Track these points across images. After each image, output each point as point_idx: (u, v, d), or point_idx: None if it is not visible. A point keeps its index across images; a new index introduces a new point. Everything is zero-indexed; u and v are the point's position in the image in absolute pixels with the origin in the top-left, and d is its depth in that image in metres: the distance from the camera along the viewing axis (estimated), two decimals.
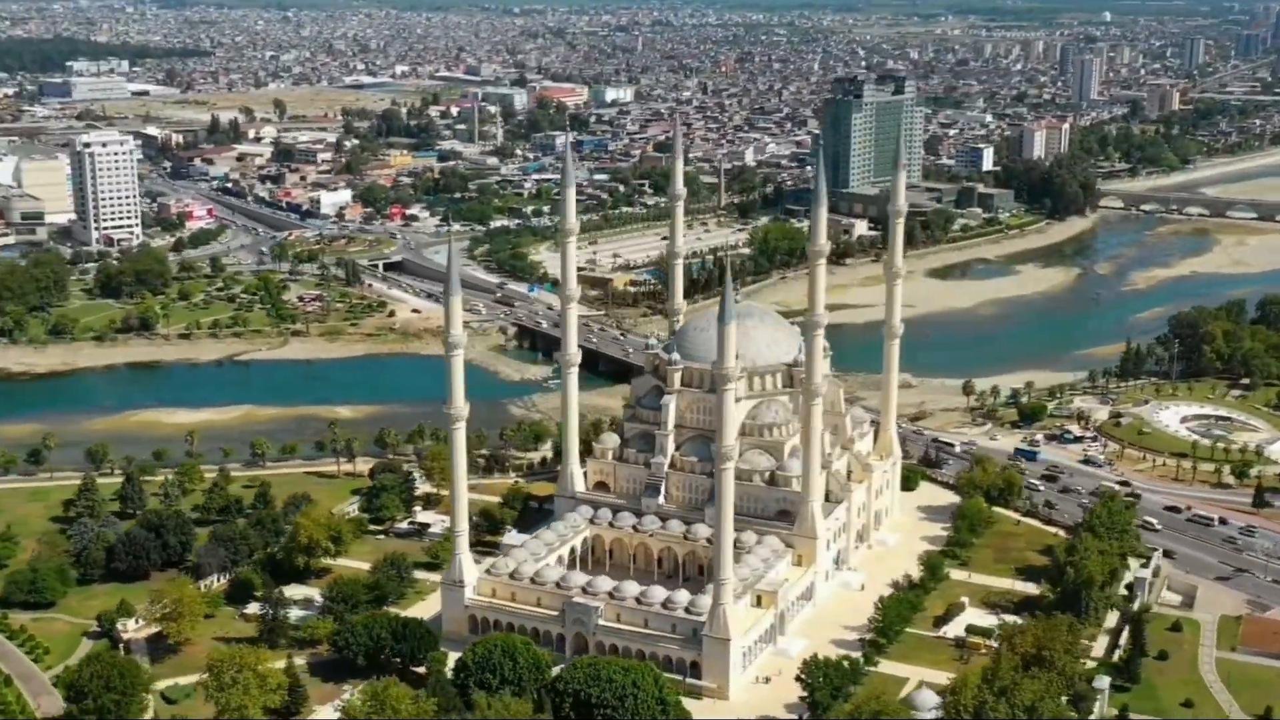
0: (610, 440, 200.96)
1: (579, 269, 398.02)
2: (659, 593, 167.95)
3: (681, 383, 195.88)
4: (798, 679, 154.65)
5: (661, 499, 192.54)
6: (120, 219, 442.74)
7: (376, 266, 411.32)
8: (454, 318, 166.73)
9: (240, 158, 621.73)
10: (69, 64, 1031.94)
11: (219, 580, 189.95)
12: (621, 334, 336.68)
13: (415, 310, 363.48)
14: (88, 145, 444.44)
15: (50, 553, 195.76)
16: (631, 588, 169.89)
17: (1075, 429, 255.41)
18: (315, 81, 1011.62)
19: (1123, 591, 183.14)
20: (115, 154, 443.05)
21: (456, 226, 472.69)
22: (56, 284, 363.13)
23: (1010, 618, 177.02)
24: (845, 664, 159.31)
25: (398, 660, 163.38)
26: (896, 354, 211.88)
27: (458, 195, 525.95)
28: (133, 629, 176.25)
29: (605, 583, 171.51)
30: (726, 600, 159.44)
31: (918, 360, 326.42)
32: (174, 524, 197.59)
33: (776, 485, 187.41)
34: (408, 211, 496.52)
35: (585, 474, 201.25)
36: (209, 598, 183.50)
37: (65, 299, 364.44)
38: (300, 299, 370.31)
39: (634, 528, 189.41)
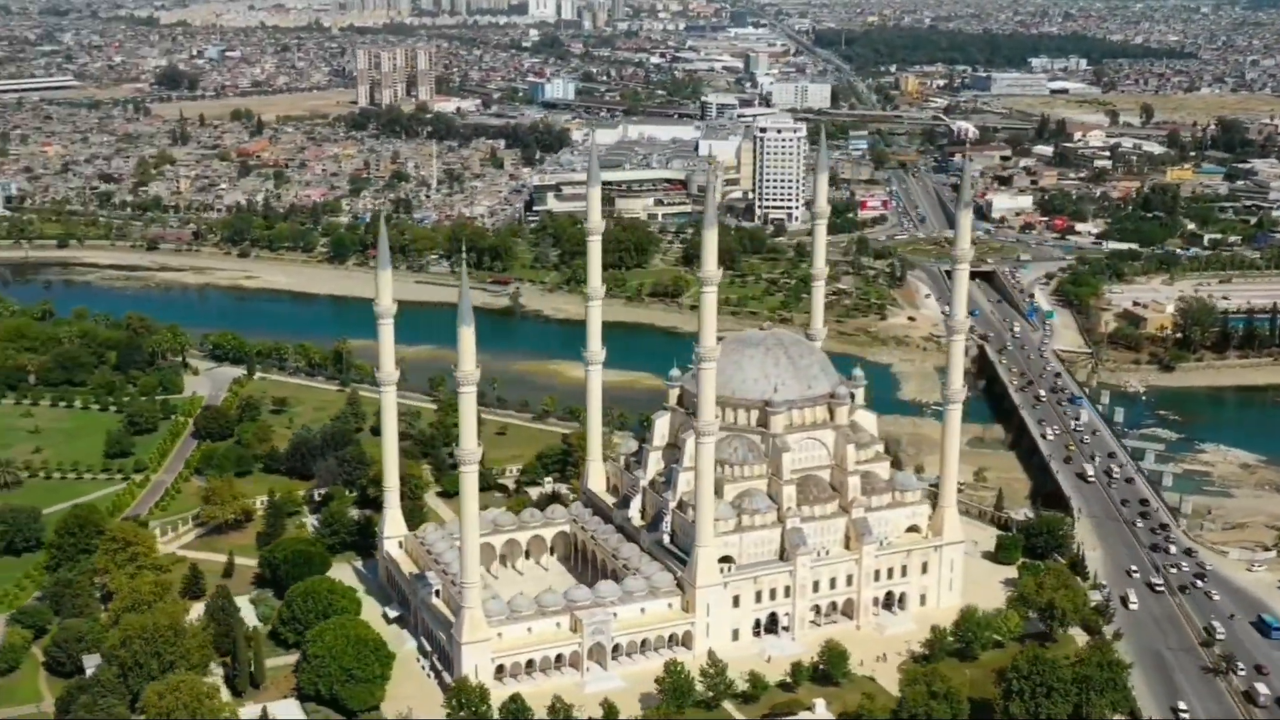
0: (629, 446, 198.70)
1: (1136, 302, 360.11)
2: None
3: (677, 402, 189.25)
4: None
5: (634, 512, 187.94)
6: (780, 200, 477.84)
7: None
8: (383, 289, 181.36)
9: (1007, 156, 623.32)
10: (1028, 60, 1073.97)
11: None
12: (1079, 376, 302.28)
13: (911, 318, 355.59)
14: (763, 130, 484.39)
15: (257, 443, 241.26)
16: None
17: None
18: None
19: None
20: (785, 140, 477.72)
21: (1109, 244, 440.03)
22: (638, 249, 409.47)
23: None
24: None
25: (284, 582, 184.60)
26: (958, 420, 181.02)
27: (1147, 214, 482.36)
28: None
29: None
30: (470, 604, 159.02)
31: None
32: (338, 440, 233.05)
33: None
34: (1075, 225, 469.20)
35: (608, 474, 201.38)
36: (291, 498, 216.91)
37: (645, 262, 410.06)
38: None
39: (593, 535, 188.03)
